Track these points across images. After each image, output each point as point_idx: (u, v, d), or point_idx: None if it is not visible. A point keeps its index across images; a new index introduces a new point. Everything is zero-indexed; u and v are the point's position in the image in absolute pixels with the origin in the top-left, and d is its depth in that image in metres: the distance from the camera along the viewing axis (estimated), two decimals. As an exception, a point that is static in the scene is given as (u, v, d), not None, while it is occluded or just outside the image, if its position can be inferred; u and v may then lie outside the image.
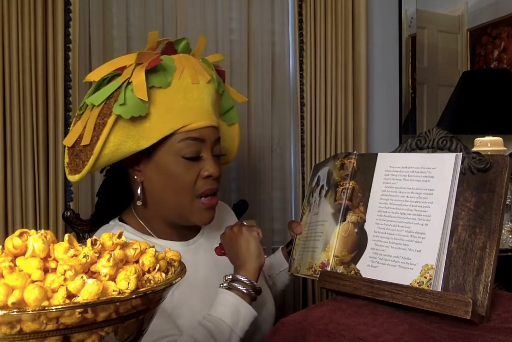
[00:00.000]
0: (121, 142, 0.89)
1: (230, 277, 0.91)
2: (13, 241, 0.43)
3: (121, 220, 1.02)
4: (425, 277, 0.75)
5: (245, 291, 0.89)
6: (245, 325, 0.88)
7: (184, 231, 1.03)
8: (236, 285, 0.89)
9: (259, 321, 0.96)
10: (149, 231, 1.00)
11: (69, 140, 0.92)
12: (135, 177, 0.97)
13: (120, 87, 0.89)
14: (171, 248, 0.97)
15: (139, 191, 0.96)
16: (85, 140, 0.89)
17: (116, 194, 1.05)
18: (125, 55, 0.96)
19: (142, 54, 0.92)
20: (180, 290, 0.93)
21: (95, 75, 0.93)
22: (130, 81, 0.89)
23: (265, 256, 0.95)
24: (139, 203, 0.96)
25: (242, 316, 0.88)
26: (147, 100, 0.87)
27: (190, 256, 1.00)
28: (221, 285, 0.91)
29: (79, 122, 0.92)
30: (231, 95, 1.10)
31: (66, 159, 0.92)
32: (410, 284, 0.76)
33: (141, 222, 1.01)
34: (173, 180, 0.93)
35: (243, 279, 0.90)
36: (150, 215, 1.00)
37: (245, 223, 1.00)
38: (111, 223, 1.02)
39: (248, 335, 0.91)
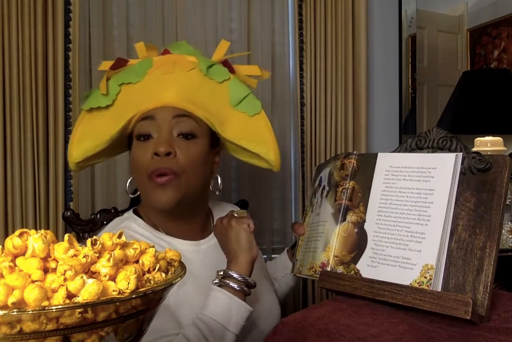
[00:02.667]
0: (88, 131, 1.01)
1: (222, 273, 0.90)
2: (13, 241, 0.43)
3: (137, 212, 1.03)
4: (425, 277, 0.75)
5: (237, 288, 0.88)
6: (240, 321, 0.87)
7: (194, 230, 1.03)
8: (227, 281, 0.88)
9: (253, 317, 0.94)
10: (158, 227, 1.01)
11: None
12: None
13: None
14: (181, 247, 0.99)
15: (128, 182, 1.02)
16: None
17: None
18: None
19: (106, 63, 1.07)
20: (186, 289, 0.93)
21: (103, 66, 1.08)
22: None
23: (271, 257, 0.93)
24: (131, 195, 1.03)
25: (235, 313, 0.86)
26: (105, 93, 0.99)
27: (200, 256, 1.00)
28: (213, 282, 0.90)
29: None
30: (246, 82, 1.06)
31: None
32: (410, 284, 0.76)
33: (152, 215, 1.01)
34: (134, 163, 0.97)
35: (235, 275, 0.89)
36: (148, 208, 1.01)
37: (235, 215, 0.98)
38: (125, 215, 1.03)
39: (244, 331, 0.90)
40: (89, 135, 1.00)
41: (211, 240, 1.04)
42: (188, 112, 0.96)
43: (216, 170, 1.05)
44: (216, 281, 0.89)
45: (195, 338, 0.84)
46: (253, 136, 1.01)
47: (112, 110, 1.00)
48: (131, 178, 1.01)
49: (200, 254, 1.01)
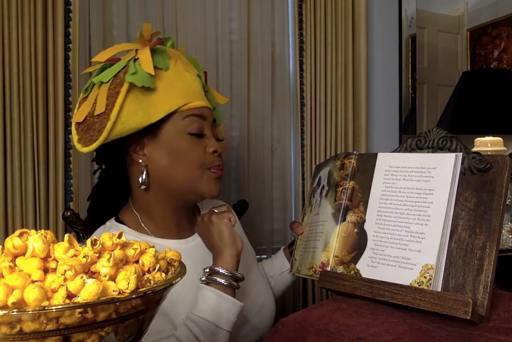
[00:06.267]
0: (134, 111, 0.91)
1: (208, 269, 0.90)
2: (13, 241, 0.43)
3: (118, 220, 1.01)
4: (425, 277, 0.75)
5: (224, 283, 0.88)
6: (231, 317, 0.87)
7: (182, 228, 1.02)
8: (214, 277, 0.88)
9: (244, 311, 0.93)
10: (146, 229, 1.00)
11: (79, 116, 0.94)
12: (140, 161, 0.97)
13: (127, 64, 0.94)
14: (169, 247, 0.97)
15: (144, 175, 0.96)
16: (100, 109, 0.91)
17: (113, 192, 1.04)
18: (127, 43, 1.01)
19: (142, 38, 1.02)
20: (178, 288, 0.92)
21: (100, 57, 0.98)
22: (136, 58, 0.95)
23: (271, 257, 0.91)
24: (143, 187, 0.96)
25: (225, 310, 0.86)
26: (153, 74, 0.92)
27: (188, 254, 0.99)
28: (201, 279, 0.89)
29: (87, 101, 0.95)
30: (214, 97, 1.12)
31: (76, 137, 0.93)
32: (410, 284, 0.76)
33: (139, 219, 1.00)
34: (181, 157, 0.95)
35: (221, 270, 0.88)
36: (151, 203, 0.99)
37: (215, 210, 0.98)
38: (108, 224, 1.01)
39: (236, 327, 0.89)
40: (143, 109, 0.93)
41: (198, 237, 1.03)
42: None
43: None
44: (203, 278, 0.89)
45: (187, 340, 0.84)
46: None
47: (157, 93, 0.94)
48: (145, 171, 0.97)
49: (189, 251, 0.99)
